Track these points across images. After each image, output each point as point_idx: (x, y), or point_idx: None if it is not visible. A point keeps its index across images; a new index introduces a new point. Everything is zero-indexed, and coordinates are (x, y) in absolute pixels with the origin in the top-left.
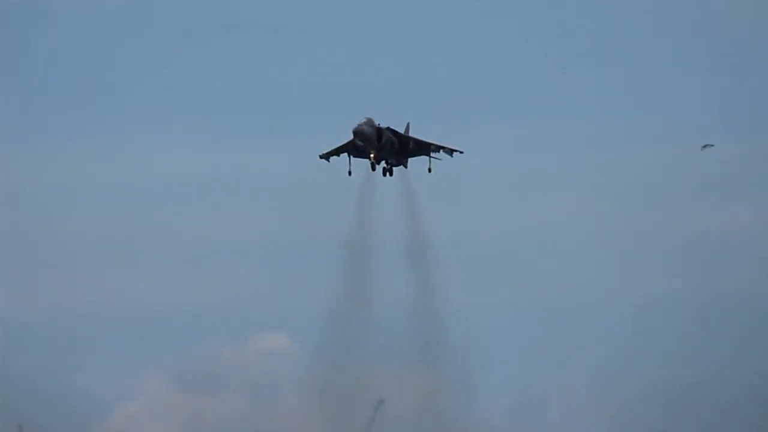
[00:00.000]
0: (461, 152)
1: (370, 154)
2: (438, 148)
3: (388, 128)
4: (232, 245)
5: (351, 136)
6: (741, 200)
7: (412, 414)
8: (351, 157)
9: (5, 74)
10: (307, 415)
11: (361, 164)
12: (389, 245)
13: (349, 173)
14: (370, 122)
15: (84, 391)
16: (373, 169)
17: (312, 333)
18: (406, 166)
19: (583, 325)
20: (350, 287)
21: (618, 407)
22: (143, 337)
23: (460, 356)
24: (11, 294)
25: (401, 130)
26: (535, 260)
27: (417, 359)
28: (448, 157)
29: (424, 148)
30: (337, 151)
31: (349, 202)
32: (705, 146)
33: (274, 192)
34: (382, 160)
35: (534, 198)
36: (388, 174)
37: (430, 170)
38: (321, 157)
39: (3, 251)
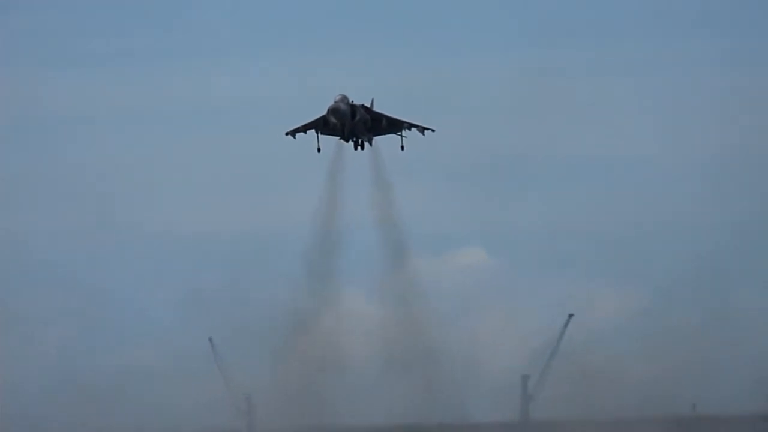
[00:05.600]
0: (433, 130)
1: (344, 131)
2: (410, 126)
3: (362, 105)
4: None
5: (320, 113)
6: None
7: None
8: (319, 134)
9: None
10: (499, 328)
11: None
12: None
13: (318, 150)
14: (344, 99)
15: (275, 304)
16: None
17: (508, 248)
18: (371, 144)
19: None
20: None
21: None
22: (338, 251)
23: None
24: (199, 211)
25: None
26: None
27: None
28: (420, 135)
29: (396, 126)
30: (304, 128)
31: None
32: None
33: None
34: (353, 137)
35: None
36: (359, 148)
37: (402, 148)
38: (287, 133)
39: (190, 170)
